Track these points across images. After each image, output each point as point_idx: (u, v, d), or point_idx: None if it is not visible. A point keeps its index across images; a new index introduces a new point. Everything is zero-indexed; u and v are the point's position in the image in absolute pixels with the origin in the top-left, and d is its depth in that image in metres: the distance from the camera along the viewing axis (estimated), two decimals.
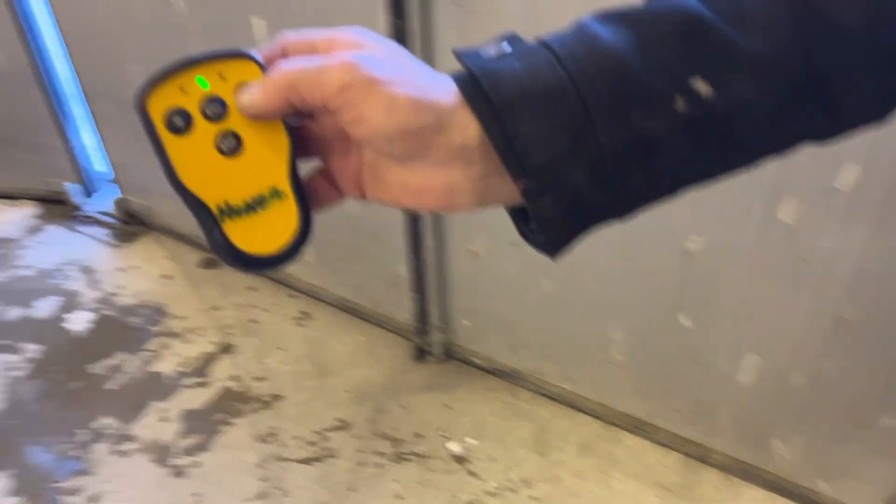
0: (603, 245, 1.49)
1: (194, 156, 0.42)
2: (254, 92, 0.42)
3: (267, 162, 0.43)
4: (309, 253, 1.99)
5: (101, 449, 1.78)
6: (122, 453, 1.77)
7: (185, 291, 2.19)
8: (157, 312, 2.13)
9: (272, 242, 0.43)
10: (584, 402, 1.79)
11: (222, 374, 1.94)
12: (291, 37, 0.44)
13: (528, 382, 1.85)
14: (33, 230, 2.43)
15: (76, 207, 2.46)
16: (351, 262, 1.97)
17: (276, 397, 1.88)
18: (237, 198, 0.43)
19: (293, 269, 2.12)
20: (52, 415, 1.87)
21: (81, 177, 2.44)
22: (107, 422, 1.84)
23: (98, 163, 2.47)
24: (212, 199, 0.42)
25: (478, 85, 0.40)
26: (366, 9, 1.44)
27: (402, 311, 1.94)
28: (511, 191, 0.42)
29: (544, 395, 1.84)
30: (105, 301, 2.17)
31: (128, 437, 1.80)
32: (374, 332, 2.03)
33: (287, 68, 0.41)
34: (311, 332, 2.05)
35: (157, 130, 0.42)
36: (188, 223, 2.31)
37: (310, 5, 1.52)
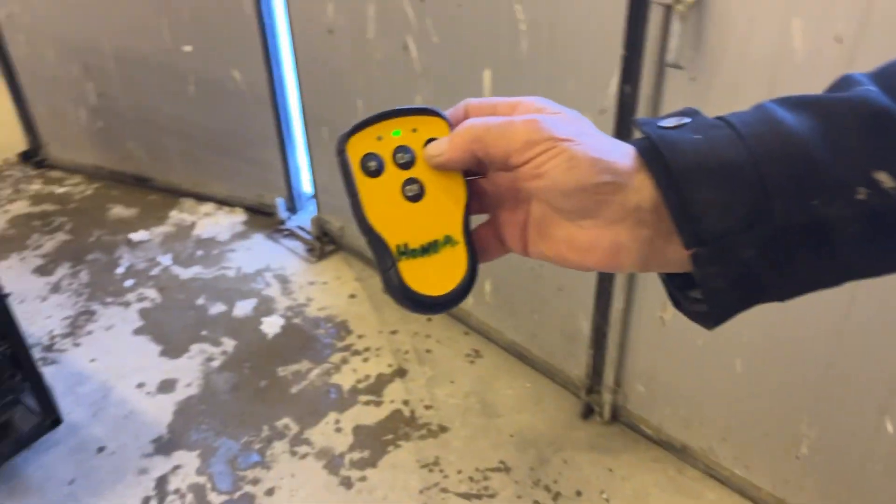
0: (811, 330, 1.44)
1: (382, 198, 0.47)
2: (442, 143, 0.47)
3: (445, 210, 0.48)
4: (489, 293, 2.06)
5: (279, 447, 1.91)
6: (298, 455, 1.89)
7: (368, 312, 2.32)
8: (341, 328, 2.27)
9: (440, 286, 0.47)
10: (757, 492, 1.71)
11: (395, 396, 2.04)
12: (474, 101, 0.49)
13: (697, 460, 1.80)
14: (241, 236, 2.67)
15: (280, 221, 2.69)
16: (530, 309, 2.01)
17: (443, 428, 1.94)
18: (414, 240, 0.47)
19: (471, 307, 2.19)
20: (240, 407, 2.03)
21: (289, 194, 2.66)
22: (287, 422, 1.98)
23: (304, 183, 2.69)
24: (392, 239, 0.47)
25: (657, 151, 0.42)
26: (598, 70, 1.50)
27: (575, 365, 1.95)
28: (675, 257, 0.43)
29: (713, 476, 1.77)
30: (295, 310, 2.34)
31: (304, 441, 1.93)
32: (542, 381, 2.06)
33: (476, 122, 0.46)
34: (481, 370, 2.11)
35: (352, 171, 0.47)
36: None
37: (541, 64, 1.61)
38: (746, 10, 1.26)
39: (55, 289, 2.44)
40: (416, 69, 1.89)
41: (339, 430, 1.95)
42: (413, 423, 1.96)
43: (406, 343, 2.21)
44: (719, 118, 0.44)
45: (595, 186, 0.42)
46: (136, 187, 2.92)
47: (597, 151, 0.43)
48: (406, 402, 2.02)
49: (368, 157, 0.47)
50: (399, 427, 1.95)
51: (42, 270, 2.52)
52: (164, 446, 1.92)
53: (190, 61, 2.48)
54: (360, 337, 2.24)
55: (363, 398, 2.04)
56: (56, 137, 2.97)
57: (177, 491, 1.81)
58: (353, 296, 2.39)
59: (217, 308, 2.36)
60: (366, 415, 1.99)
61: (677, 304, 0.47)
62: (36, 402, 1.76)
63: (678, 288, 0.46)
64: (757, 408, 1.63)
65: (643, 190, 0.43)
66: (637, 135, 0.46)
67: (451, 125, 0.48)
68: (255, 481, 1.83)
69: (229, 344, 2.23)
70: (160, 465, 1.87)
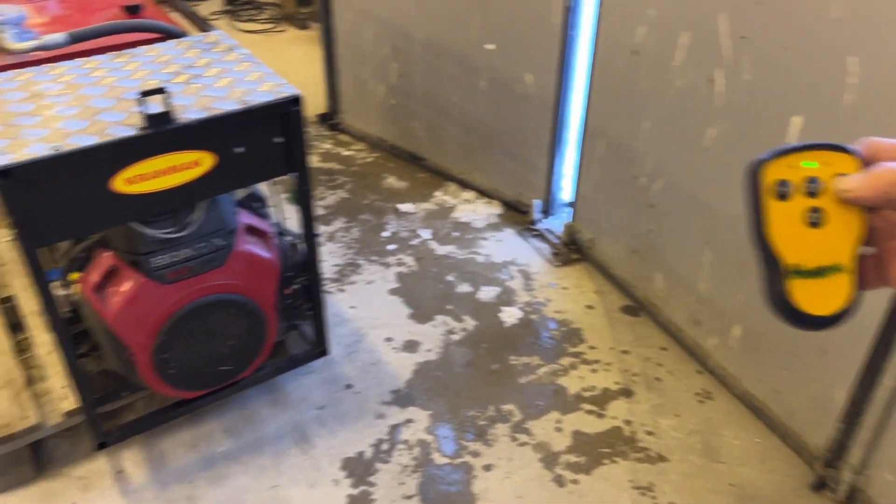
0: None
1: (784, 220, 0.53)
2: (857, 181, 0.50)
3: (839, 239, 0.52)
4: (736, 338, 2.02)
5: (501, 429, 2.03)
6: (518, 442, 1.99)
7: (602, 326, 2.37)
8: (574, 335, 2.34)
9: (822, 307, 0.52)
10: None
11: (618, 413, 2.07)
12: (882, 142, 0.51)
13: None
14: (493, 227, 2.84)
15: (532, 220, 2.81)
16: (780, 365, 1.94)
17: (661, 457, 1.94)
18: (807, 262, 0.52)
19: (711, 348, 2.16)
20: (472, 383, 2.17)
21: (546, 197, 2.78)
22: (511, 409, 2.09)
23: (563, 190, 2.79)
24: (786, 258, 0.52)
25: None
26: None
27: (817, 434, 1.85)
28: None
29: None
30: (534, 306, 2.45)
31: (525, 430, 2.02)
32: (773, 440, 1.98)
33: None
34: (709, 412, 2.07)
35: (761, 192, 0.53)
36: (622, 267, 2.50)
37: (866, 121, 1.55)
38: None
39: (331, 238, 2.76)
40: (716, 103, 1.90)
41: (559, 429, 2.03)
42: (632, 444, 1.98)
43: (636, 366, 2.22)
44: None
45: None
46: (409, 163, 3.19)
47: None
48: (628, 423, 2.04)
49: (780, 182, 0.54)
50: (617, 444, 1.98)
51: (322, 220, 2.86)
52: (400, 399, 2.11)
53: (488, 59, 2.67)
54: (591, 348, 2.29)
55: (586, 406, 2.09)
56: (353, 106, 3.33)
57: (406, 442, 1.99)
58: (590, 307, 2.45)
59: (463, 287, 2.53)
60: (587, 423, 2.04)
61: None
62: (313, 332, 2.02)
63: None
64: None
65: None
66: None
67: (863, 164, 0.53)
68: (475, 454, 1.96)
69: (470, 323, 2.38)
70: (395, 415, 2.06)
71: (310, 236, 1.83)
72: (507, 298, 2.49)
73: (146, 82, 1.63)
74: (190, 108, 1.54)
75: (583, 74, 2.44)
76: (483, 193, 2.98)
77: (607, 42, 2.24)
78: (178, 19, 2.06)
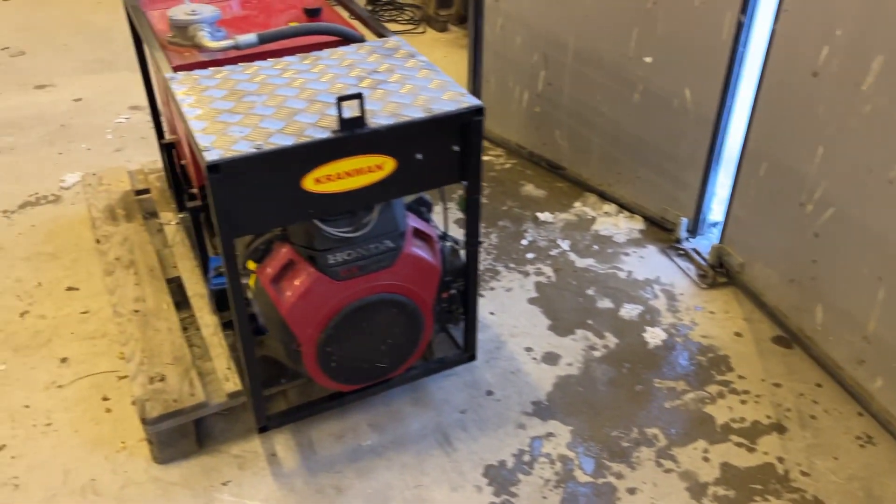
0: None
1: None
2: None
3: None
4: None
5: (646, 453, 1.98)
6: (663, 468, 1.94)
7: (752, 356, 2.28)
8: (722, 362, 2.26)
9: None
10: None
11: (770, 449, 1.98)
12: None
13: None
14: (635, 242, 2.78)
15: (676, 239, 2.74)
16: None
17: (818, 501, 1.85)
18: None
19: (876, 390, 2.03)
20: (614, 402, 2.14)
21: (695, 217, 2.70)
22: (656, 433, 2.04)
23: (712, 211, 2.70)
24: None
25: None
26: None
27: None
28: None
29: None
30: (679, 329, 2.38)
31: (670, 457, 1.97)
32: None
33: None
34: (872, 458, 1.96)
35: None
36: (776, 295, 2.39)
37: None
38: None
39: None
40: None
41: (706, 459, 1.96)
42: (785, 484, 1.90)
43: (789, 400, 2.13)
44: None
45: None
46: (547, 172, 3.17)
47: None
48: (781, 460, 1.96)
49: None
50: (770, 481, 1.90)
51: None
52: (541, 411, 2.10)
53: (645, 71, 2.62)
54: (740, 377, 2.21)
55: (735, 438, 2.02)
56: (495, 112, 3.34)
57: (547, 455, 1.98)
58: (738, 334, 2.36)
59: (604, 303, 2.49)
60: (736, 456, 1.97)
61: None
62: (461, 336, 2.04)
63: None
64: None
65: None
66: None
67: None
68: (619, 476, 1.92)
69: (611, 340, 2.35)
70: (536, 427, 2.06)
71: (473, 243, 1.85)
72: (650, 318, 2.43)
73: (334, 85, 1.69)
74: (378, 113, 1.58)
75: (748, 93, 2.36)
76: (624, 207, 2.92)
77: (782, 61, 2.14)
78: (354, 23, 2.12)
